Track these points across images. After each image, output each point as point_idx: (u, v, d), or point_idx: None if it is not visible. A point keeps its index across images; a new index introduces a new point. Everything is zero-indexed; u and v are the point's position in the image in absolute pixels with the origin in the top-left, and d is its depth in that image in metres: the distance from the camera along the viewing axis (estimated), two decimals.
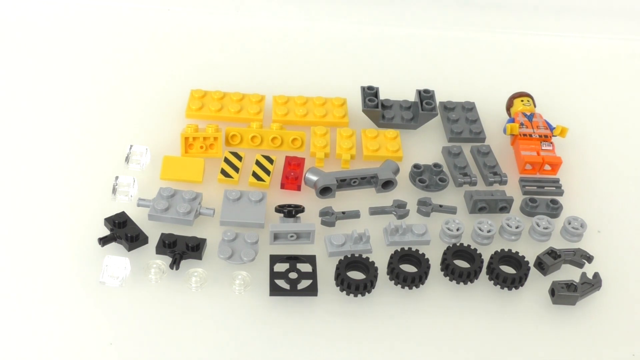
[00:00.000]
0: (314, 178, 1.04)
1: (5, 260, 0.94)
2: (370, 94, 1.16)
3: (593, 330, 0.93)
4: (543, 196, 1.07)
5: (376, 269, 0.94)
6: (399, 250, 0.96)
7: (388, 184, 1.06)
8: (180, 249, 0.94)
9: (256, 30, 1.37)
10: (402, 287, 0.95)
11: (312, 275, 0.94)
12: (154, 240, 0.96)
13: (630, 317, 0.95)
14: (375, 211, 1.03)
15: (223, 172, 1.06)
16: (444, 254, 0.97)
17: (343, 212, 1.02)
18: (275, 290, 0.92)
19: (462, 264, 0.97)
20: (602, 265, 0.99)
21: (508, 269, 0.97)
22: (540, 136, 1.12)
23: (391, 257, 0.96)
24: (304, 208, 1.01)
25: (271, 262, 0.95)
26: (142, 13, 1.38)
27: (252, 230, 0.99)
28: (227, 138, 1.10)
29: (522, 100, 1.16)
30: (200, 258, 0.95)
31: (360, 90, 1.17)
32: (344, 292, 0.93)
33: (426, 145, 1.15)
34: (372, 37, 1.39)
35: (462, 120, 1.18)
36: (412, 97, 1.20)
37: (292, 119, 1.15)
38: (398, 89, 1.22)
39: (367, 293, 0.94)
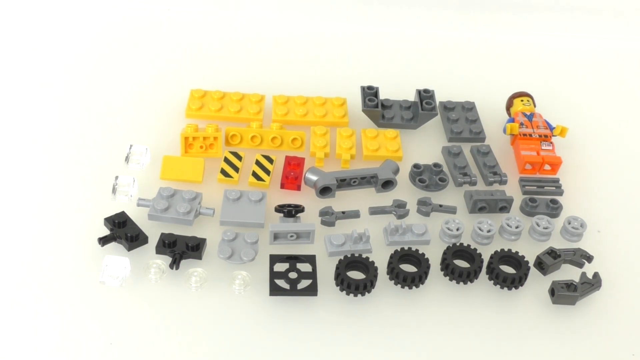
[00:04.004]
0: (314, 178, 1.04)
1: (5, 260, 0.94)
2: (370, 94, 1.16)
3: (593, 330, 0.93)
4: (543, 196, 1.07)
5: (376, 268, 0.94)
6: (398, 250, 0.97)
7: (388, 184, 1.06)
8: (180, 249, 0.94)
9: (256, 30, 1.37)
10: (402, 287, 0.95)
11: (312, 275, 0.94)
12: (154, 240, 0.96)
13: (630, 317, 0.95)
14: (375, 211, 1.03)
15: (223, 172, 1.06)
16: (444, 253, 0.97)
17: (343, 212, 1.02)
18: (275, 290, 0.92)
19: (462, 263, 0.97)
20: (602, 265, 0.99)
21: (508, 269, 0.97)
22: (540, 136, 1.12)
23: (391, 257, 0.96)
24: (304, 208, 1.01)
25: (271, 262, 0.95)
26: (142, 13, 1.38)
27: (252, 230, 0.99)
28: (227, 138, 1.10)
29: (522, 100, 1.16)
30: (200, 258, 0.95)
31: (360, 90, 1.17)
32: (344, 292, 0.93)
33: (426, 145, 1.15)
34: (372, 37, 1.39)
35: (462, 120, 1.18)
36: (412, 97, 1.20)
37: (292, 119, 1.15)
38: (398, 89, 1.22)
39: (367, 293, 0.94)
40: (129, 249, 0.96)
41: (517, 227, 1.01)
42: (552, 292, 0.95)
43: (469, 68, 1.33)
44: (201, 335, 0.89)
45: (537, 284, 0.97)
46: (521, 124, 1.13)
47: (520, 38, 1.41)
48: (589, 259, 0.99)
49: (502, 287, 0.96)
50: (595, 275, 0.96)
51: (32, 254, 0.95)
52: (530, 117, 1.14)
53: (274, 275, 0.94)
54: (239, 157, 1.07)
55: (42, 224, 0.99)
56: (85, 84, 1.22)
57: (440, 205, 1.04)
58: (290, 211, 0.99)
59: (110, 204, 1.01)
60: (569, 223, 1.02)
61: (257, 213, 1.00)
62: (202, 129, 1.09)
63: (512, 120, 1.14)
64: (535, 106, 1.17)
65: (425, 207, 1.03)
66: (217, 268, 0.95)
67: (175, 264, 0.93)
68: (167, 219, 0.98)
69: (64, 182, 1.04)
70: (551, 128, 1.13)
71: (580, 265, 0.99)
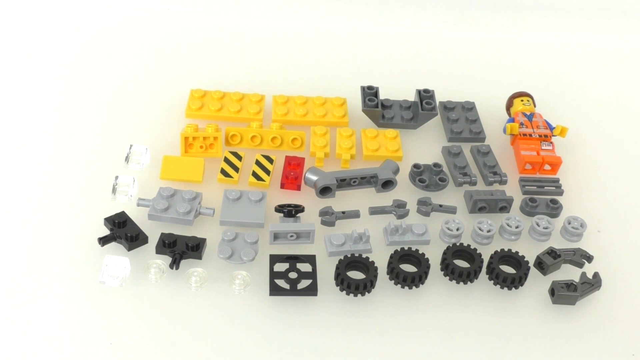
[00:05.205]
0: (314, 178, 1.04)
1: (5, 260, 0.94)
2: (370, 94, 1.16)
3: (593, 330, 0.93)
4: (543, 196, 1.07)
5: (376, 268, 0.94)
6: (398, 250, 0.97)
7: (388, 184, 1.06)
8: (180, 249, 0.94)
9: (256, 30, 1.37)
10: (402, 287, 0.95)
11: (312, 275, 0.94)
12: (153, 240, 0.96)
13: (630, 317, 0.95)
14: (375, 211, 1.03)
15: (223, 171, 1.06)
16: (444, 253, 0.97)
17: (343, 212, 1.02)
18: (275, 290, 0.92)
19: (462, 263, 0.97)
20: (602, 265, 0.99)
21: (508, 269, 0.97)
22: (540, 136, 1.12)
23: (391, 256, 0.96)
24: (304, 208, 1.01)
25: (271, 261, 0.95)
26: (142, 13, 1.38)
27: (252, 230, 0.99)
28: (227, 138, 1.10)
29: (522, 100, 1.16)
30: (200, 258, 0.95)
31: (360, 90, 1.17)
32: (344, 292, 0.93)
33: (426, 145, 1.15)
34: (372, 37, 1.39)
35: (462, 120, 1.18)
36: (412, 97, 1.20)
37: (292, 119, 1.15)
38: (398, 89, 1.22)
39: (367, 293, 0.94)
40: (129, 249, 0.96)
41: (517, 227, 1.01)
42: (552, 292, 0.95)
43: (469, 68, 1.33)
44: (201, 335, 0.89)
45: (537, 284, 0.97)
46: (521, 124, 1.13)
47: (520, 38, 1.41)
48: (589, 259, 0.99)
49: (502, 287, 0.96)
50: (595, 275, 0.96)
51: (32, 254, 0.95)
52: (530, 117, 1.14)
53: (274, 275, 0.94)
54: (239, 157, 1.07)
55: (42, 223, 0.99)
56: (85, 84, 1.22)
57: (440, 205, 1.04)
58: (290, 211, 0.99)
59: (110, 204, 1.01)
60: (569, 223, 1.02)
61: (257, 213, 1.00)
62: (202, 129, 1.09)
63: (512, 120, 1.14)
64: (535, 106, 1.16)
65: (425, 207, 1.03)
66: (217, 268, 0.95)
67: (175, 264, 0.93)
68: (167, 219, 0.98)
69: (64, 182, 1.04)
70: (551, 128, 1.13)
71: (580, 265, 0.99)
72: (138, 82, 1.23)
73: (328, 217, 1.00)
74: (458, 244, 0.98)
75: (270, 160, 1.07)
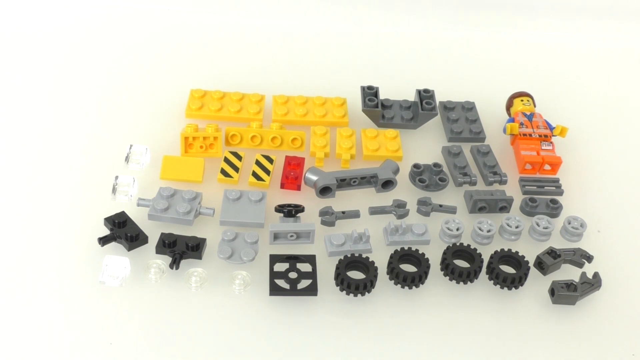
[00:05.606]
0: (314, 178, 1.04)
1: (5, 260, 0.94)
2: (370, 94, 1.16)
3: (593, 330, 0.93)
4: (543, 196, 1.07)
5: (376, 268, 0.94)
6: (398, 250, 0.97)
7: (388, 184, 1.06)
8: (180, 249, 0.94)
9: (256, 30, 1.37)
10: (402, 286, 0.95)
11: (312, 275, 0.94)
12: (153, 240, 0.96)
13: (630, 317, 0.95)
14: (375, 211, 1.03)
15: (223, 171, 1.06)
16: (444, 253, 0.97)
17: (343, 212, 1.02)
18: (275, 290, 0.92)
19: (462, 263, 0.97)
20: (602, 265, 0.99)
21: (508, 269, 0.97)
22: (540, 136, 1.12)
23: (391, 256, 0.96)
24: (304, 208, 1.01)
25: (271, 261, 0.95)
26: (142, 12, 1.38)
27: (252, 230, 0.99)
28: (227, 138, 1.10)
29: (522, 100, 1.16)
30: (200, 258, 0.95)
31: (360, 90, 1.17)
32: (344, 291, 0.93)
33: (426, 145, 1.15)
34: (372, 37, 1.39)
35: (462, 120, 1.18)
36: (412, 97, 1.20)
37: (292, 119, 1.15)
38: (398, 88, 1.22)
39: (367, 293, 0.94)
40: (129, 249, 0.96)
41: (517, 227, 1.01)
42: (552, 292, 0.95)
43: (469, 68, 1.33)
44: (201, 335, 0.89)
45: (537, 284, 0.97)
46: (521, 124, 1.13)
47: (520, 38, 1.41)
48: (589, 259, 0.99)
49: (502, 287, 0.96)
50: (595, 275, 0.96)
51: (32, 254, 0.95)
52: (530, 117, 1.14)
53: (274, 275, 0.94)
54: (239, 157, 1.07)
55: (42, 223, 0.99)
56: (85, 84, 1.22)
57: (440, 205, 1.04)
58: (290, 211, 0.99)
59: (110, 204, 1.01)
60: (569, 223, 1.02)
61: (257, 213, 1.00)
62: (202, 129, 1.09)
63: (512, 120, 1.14)
64: (535, 106, 1.17)
65: (425, 207, 1.03)
66: (217, 268, 0.95)
67: (175, 264, 0.93)
68: (167, 219, 0.98)
69: (64, 182, 1.04)
70: (551, 128, 1.13)
71: (580, 265, 0.99)
72: (138, 82, 1.23)
73: (328, 217, 1.00)
74: (458, 244, 0.98)
75: (270, 160, 1.07)
